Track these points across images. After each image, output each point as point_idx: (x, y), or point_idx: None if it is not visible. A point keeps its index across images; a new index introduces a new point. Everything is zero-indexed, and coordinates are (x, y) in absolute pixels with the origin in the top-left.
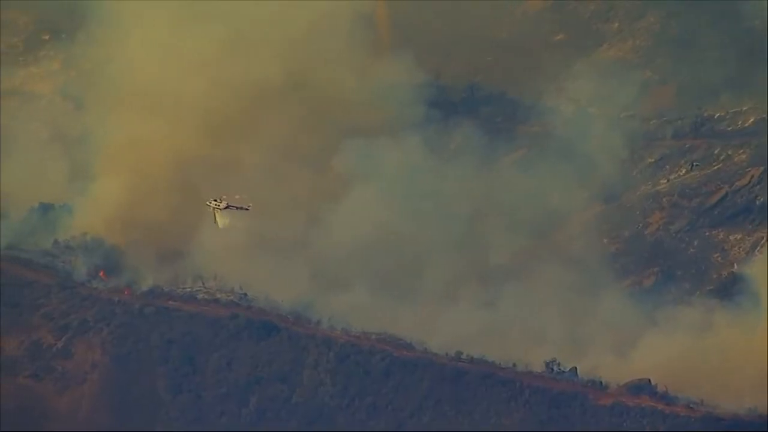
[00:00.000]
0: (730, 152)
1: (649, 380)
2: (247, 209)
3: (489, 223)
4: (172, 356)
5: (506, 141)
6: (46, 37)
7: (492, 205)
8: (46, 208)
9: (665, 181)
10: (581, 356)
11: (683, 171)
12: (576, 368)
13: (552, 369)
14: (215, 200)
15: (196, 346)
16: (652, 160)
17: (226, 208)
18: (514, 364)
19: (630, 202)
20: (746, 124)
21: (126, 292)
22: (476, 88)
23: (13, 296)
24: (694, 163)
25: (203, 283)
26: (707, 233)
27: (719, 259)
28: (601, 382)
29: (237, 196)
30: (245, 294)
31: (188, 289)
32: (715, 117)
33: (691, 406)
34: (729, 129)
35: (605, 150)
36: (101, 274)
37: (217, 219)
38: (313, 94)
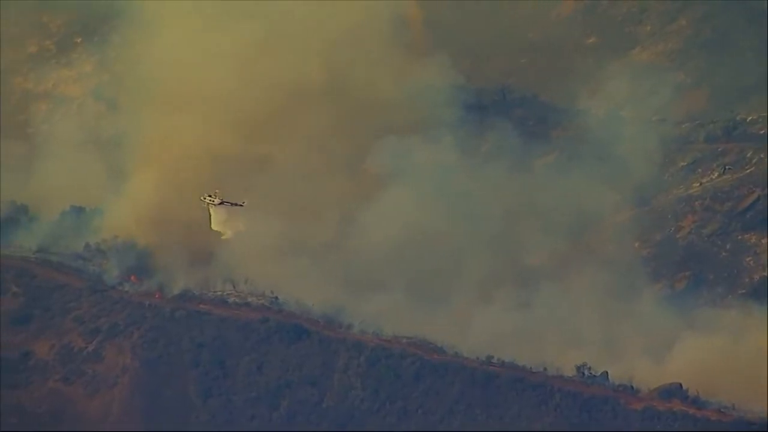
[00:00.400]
0: (762, 156)
1: (681, 384)
2: (241, 205)
3: (521, 226)
4: (203, 360)
5: (538, 144)
6: (78, 40)
7: (524, 207)
8: (77, 211)
9: (697, 184)
10: (613, 359)
11: (715, 174)
12: (607, 372)
13: (583, 373)
14: (209, 195)
15: (226, 350)
16: (685, 163)
17: (220, 203)
18: (545, 368)
19: (662, 206)
20: None
21: (157, 296)
22: (508, 91)
23: (43, 299)
24: (726, 167)
25: (234, 287)
26: (739, 237)
27: (751, 262)
28: (632, 387)
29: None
30: (276, 298)
31: (219, 293)
32: (748, 120)
33: (723, 410)
34: (761, 132)
35: (637, 153)
36: (133, 277)
37: (212, 215)
38: (348, 95)
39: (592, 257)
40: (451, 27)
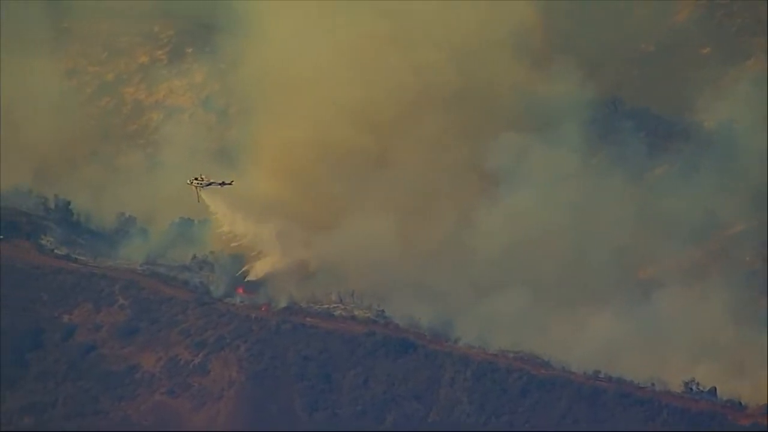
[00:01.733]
0: None
1: None
2: (230, 184)
3: (636, 235)
4: (309, 373)
5: (655, 153)
6: (189, 50)
7: (640, 216)
8: (186, 223)
9: None
10: (725, 373)
11: None
12: (715, 388)
13: (691, 389)
14: (196, 179)
15: (332, 364)
16: None
17: (208, 185)
18: (653, 384)
19: None
20: None
21: (263, 309)
22: (619, 103)
23: (150, 312)
24: None
25: (341, 300)
26: None
27: None
28: (740, 403)
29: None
30: (382, 311)
31: (325, 306)
32: None
33: None
34: None
35: (749, 166)
36: (240, 290)
37: (201, 197)
38: (470, 98)
39: (702, 272)
40: (567, 36)
